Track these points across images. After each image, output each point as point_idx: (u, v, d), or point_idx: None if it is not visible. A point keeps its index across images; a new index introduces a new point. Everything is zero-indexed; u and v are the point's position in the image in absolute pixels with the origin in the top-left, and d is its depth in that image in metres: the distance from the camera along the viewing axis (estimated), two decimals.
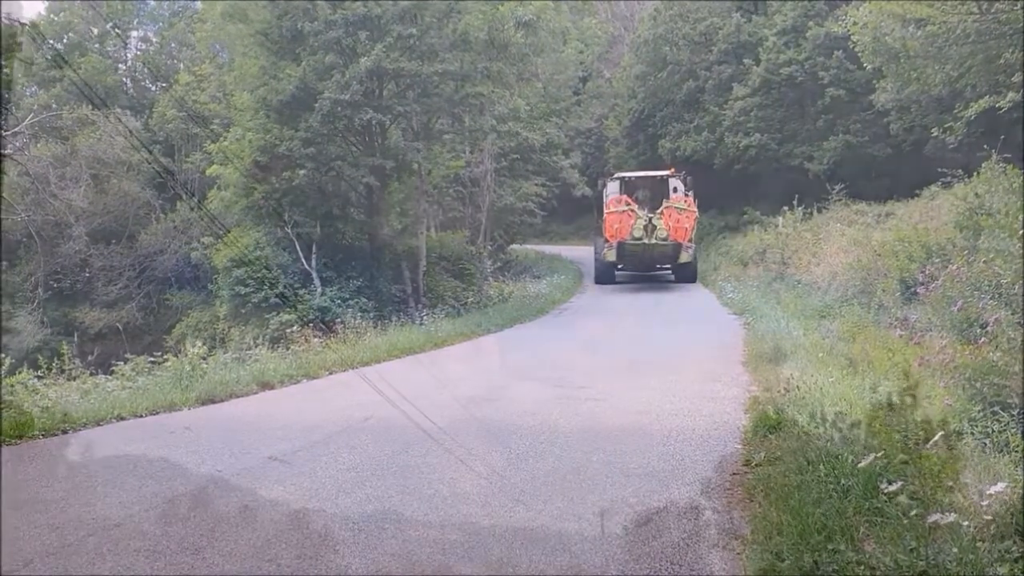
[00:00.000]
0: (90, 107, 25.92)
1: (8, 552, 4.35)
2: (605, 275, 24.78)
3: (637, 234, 21.68)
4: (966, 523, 3.74)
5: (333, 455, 6.53)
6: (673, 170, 25.73)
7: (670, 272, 24.52)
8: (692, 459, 6.19)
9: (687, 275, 23.89)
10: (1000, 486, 4.03)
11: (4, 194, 25.21)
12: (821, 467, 4.97)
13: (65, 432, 7.41)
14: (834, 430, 5.29)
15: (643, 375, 10.26)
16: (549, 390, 9.40)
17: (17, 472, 6.22)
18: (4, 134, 26.87)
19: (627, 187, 24.63)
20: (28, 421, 7.31)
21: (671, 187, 23.98)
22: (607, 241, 22.86)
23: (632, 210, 22.07)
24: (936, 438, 4.20)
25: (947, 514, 3.66)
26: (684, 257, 22.66)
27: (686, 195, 23.30)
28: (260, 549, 4.50)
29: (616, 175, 26.58)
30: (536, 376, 10.52)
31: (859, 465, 4.48)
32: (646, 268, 24.78)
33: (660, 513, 4.99)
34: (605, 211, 23.23)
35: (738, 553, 4.26)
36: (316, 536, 4.77)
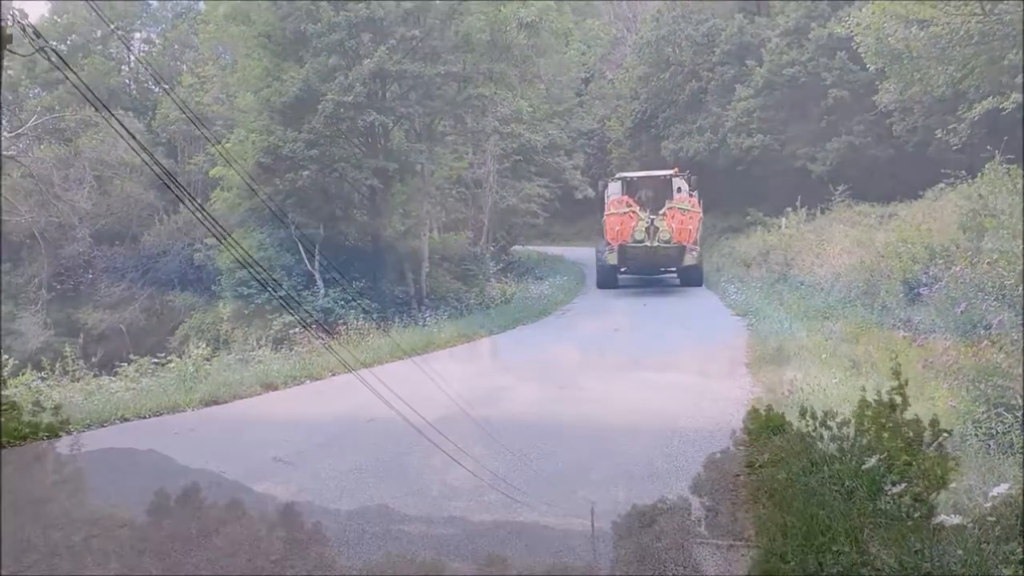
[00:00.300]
0: (93, 109, 25.95)
1: (13, 552, 4.36)
2: (607, 279, 23.73)
3: (639, 236, 20.88)
4: (970, 524, 3.74)
5: (336, 456, 6.54)
6: (677, 169, 25.20)
7: (675, 275, 23.73)
8: (695, 460, 6.19)
9: (692, 278, 22.94)
10: (1003, 487, 4.02)
11: (7, 196, 25.27)
12: (825, 468, 4.96)
13: (69, 433, 7.42)
14: (837, 431, 5.28)
15: (646, 376, 10.25)
16: (552, 391, 9.41)
17: (21, 473, 6.24)
18: (6, 136, 26.98)
19: (629, 187, 23.98)
20: (31, 422, 7.32)
21: (675, 187, 23.36)
22: (608, 244, 22.06)
23: (633, 211, 21.34)
24: (939, 439, 4.21)
25: (952, 516, 3.66)
26: (688, 259, 21.72)
27: (690, 195, 22.60)
28: (263, 550, 4.51)
29: (618, 175, 25.98)
30: (539, 377, 10.52)
31: (863, 467, 4.48)
32: (649, 271, 24.05)
33: (664, 514, 4.99)
34: (606, 212, 22.41)
35: (742, 554, 4.26)
36: (319, 537, 4.78)
